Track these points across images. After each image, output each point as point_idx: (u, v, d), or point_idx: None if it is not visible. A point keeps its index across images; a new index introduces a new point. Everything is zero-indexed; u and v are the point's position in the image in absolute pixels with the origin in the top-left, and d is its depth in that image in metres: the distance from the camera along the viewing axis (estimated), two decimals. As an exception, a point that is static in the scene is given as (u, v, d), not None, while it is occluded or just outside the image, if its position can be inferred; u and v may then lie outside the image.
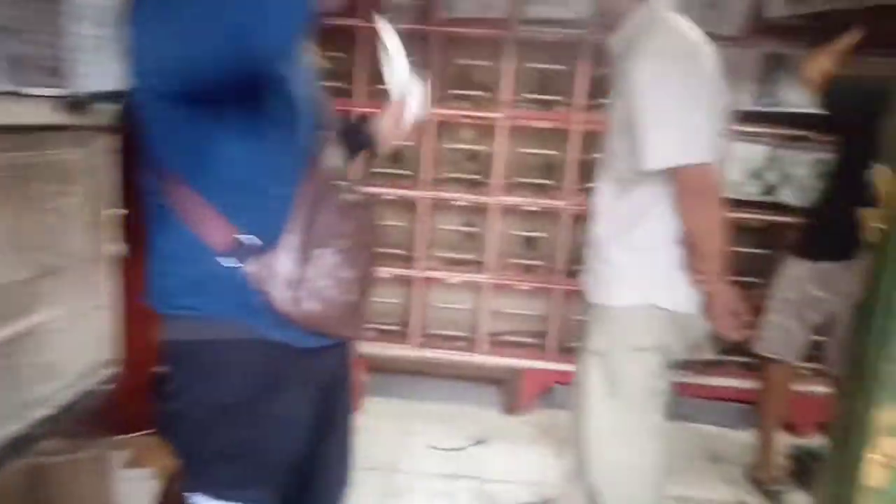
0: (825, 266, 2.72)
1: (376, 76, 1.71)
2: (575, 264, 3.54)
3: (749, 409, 3.43)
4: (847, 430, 1.17)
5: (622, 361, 1.90)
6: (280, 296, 1.14)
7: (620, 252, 1.93)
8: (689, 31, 1.81)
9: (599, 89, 3.31)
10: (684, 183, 1.78)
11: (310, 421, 1.31)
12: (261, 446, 1.23)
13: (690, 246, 1.84)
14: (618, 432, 1.92)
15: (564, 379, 2.99)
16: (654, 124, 1.74)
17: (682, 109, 1.73)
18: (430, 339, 3.78)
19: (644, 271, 1.91)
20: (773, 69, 3.46)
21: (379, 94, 3.41)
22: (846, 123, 2.68)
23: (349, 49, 3.53)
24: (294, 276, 1.15)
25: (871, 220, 1.30)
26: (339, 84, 3.57)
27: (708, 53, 1.81)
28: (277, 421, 1.24)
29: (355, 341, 1.46)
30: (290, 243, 1.15)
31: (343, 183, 1.27)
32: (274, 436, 1.24)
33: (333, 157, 1.33)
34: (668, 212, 1.86)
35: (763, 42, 3.43)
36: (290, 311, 1.16)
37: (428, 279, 3.71)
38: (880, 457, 1.10)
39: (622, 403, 1.91)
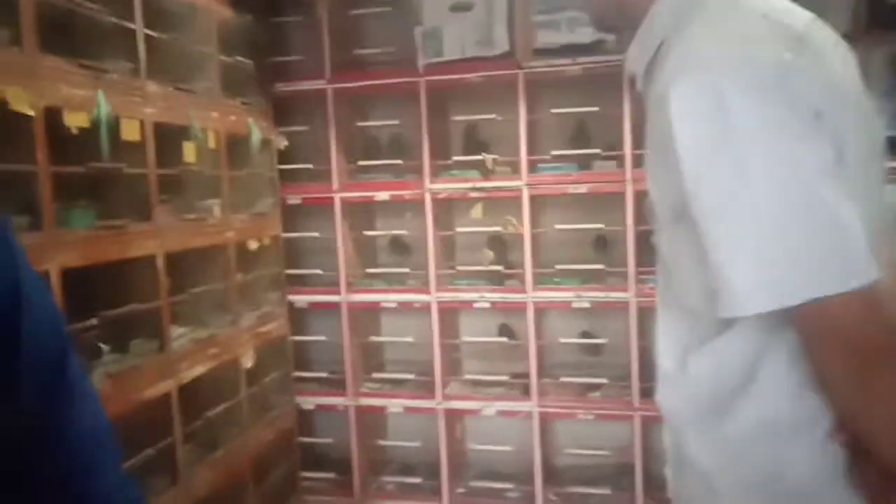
0: None
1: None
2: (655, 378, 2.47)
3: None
4: None
5: None
6: None
7: (706, 449, 0.91)
8: (774, 11, 0.83)
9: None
10: (820, 332, 0.78)
11: None
12: None
13: (853, 443, 0.82)
14: None
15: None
16: (730, 232, 0.79)
17: (785, 186, 0.77)
18: (471, 495, 2.80)
19: (755, 495, 0.87)
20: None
21: (366, 170, 2.66)
22: None
23: (316, 118, 2.74)
24: None
25: None
26: (307, 165, 2.77)
27: (823, 48, 0.84)
28: None
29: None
30: None
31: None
32: None
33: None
34: (792, 376, 0.83)
35: (888, 39, 2.32)
36: None
37: (454, 411, 2.72)
38: None
39: None
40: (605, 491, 2.67)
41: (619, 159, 2.53)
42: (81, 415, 0.81)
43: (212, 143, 2.26)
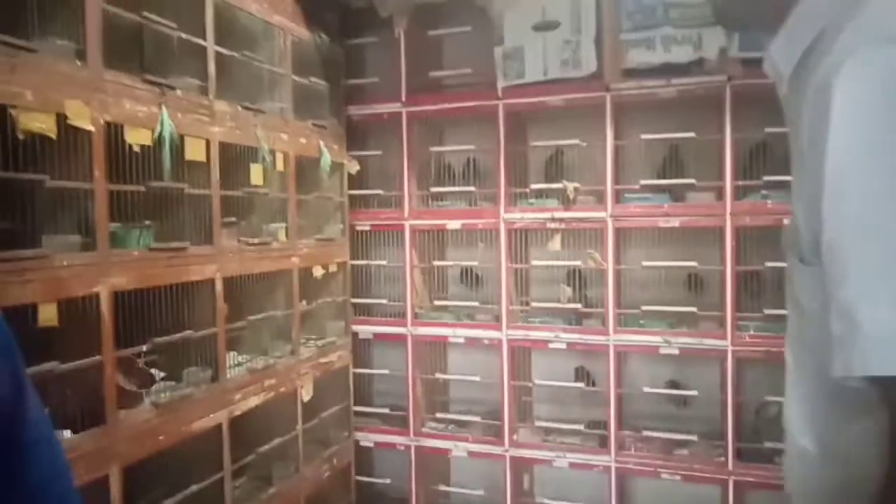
0: None
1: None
2: (753, 438, 2.21)
3: None
4: None
5: None
6: None
7: None
8: None
9: (757, 163, 2.07)
10: None
11: None
12: None
13: None
14: None
15: None
16: (873, 258, 0.60)
17: None
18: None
19: None
20: None
21: (439, 197, 2.53)
22: None
23: (389, 142, 2.63)
24: None
25: None
26: (377, 191, 2.67)
27: None
28: None
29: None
30: None
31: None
32: None
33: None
34: None
35: None
36: None
37: (522, 459, 2.50)
38: None
39: None
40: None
41: (718, 190, 2.27)
42: (38, 464, 0.73)
43: (280, 166, 2.19)
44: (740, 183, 2.23)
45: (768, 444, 2.22)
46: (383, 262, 2.76)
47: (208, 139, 1.84)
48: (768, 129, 2.15)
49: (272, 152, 2.13)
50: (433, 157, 2.79)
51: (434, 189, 2.68)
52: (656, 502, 2.55)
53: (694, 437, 2.38)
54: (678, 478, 2.34)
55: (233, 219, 2.06)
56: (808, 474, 0.80)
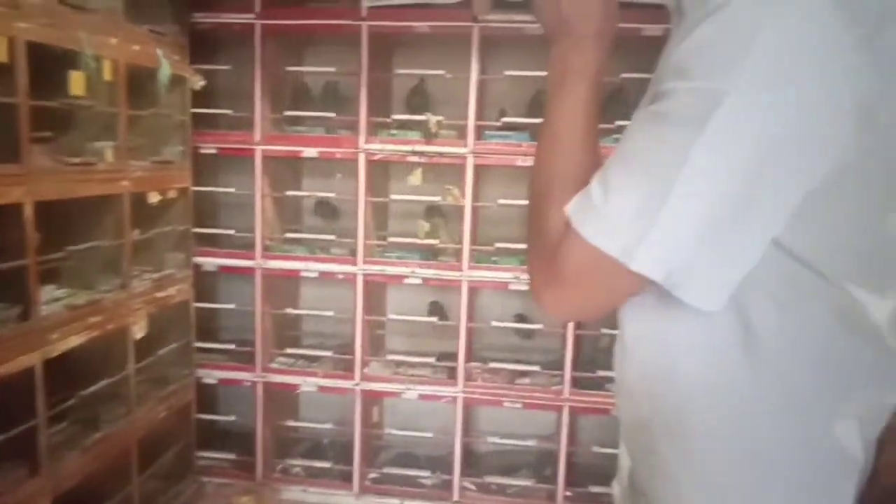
0: None
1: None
2: (588, 368, 2.36)
3: None
4: None
5: None
6: None
7: (675, 454, 0.71)
8: None
9: (613, 107, 2.12)
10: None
11: None
12: None
13: None
14: None
15: None
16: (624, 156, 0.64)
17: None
18: (383, 481, 2.57)
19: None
20: None
21: (295, 122, 2.36)
22: None
23: (241, 57, 2.40)
24: None
25: None
26: (226, 111, 2.45)
27: None
28: None
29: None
30: None
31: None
32: None
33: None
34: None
35: None
36: None
37: (372, 393, 2.51)
38: None
39: None
40: (527, 482, 2.54)
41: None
42: None
43: (108, 75, 1.90)
44: (608, 126, 2.27)
45: (601, 373, 2.40)
46: (231, 190, 2.56)
47: (12, 36, 1.54)
48: (624, 75, 2.21)
49: (98, 58, 1.84)
50: (290, 77, 2.58)
51: (289, 113, 2.50)
52: (499, 428, 2.68)
53: (536, 368, 2.50)
54: (519, 405, 2.47)
55: (48, 134, 1.78)
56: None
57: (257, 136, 2.43)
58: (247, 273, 2.50)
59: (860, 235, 0.60)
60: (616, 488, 0.86)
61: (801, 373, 0.63)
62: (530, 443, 2.60)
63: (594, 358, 2.52)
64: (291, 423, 2.69)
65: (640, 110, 0.64)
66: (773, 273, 0.61)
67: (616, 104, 2.31)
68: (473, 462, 2.66)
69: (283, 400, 2.66)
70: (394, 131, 2.43)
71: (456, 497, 2.52)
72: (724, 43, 0.55)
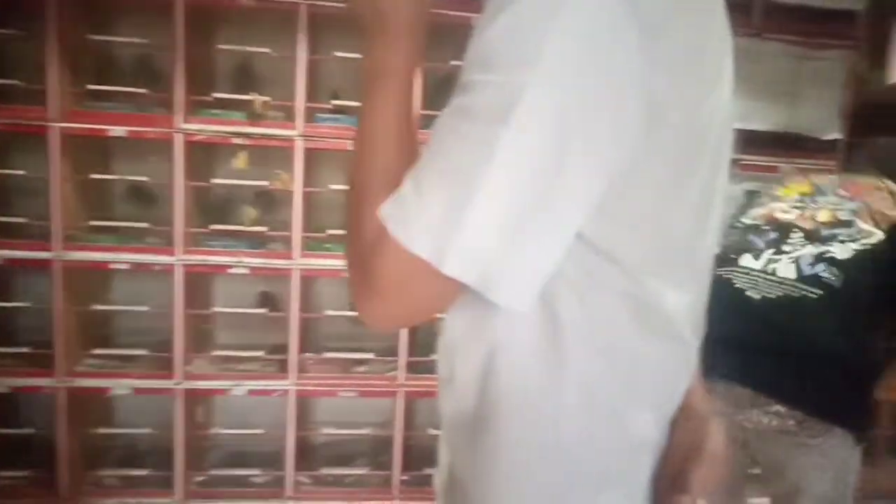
0: None
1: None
2: (422, 353, 2.39)
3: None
4: None
5: None
6: None
7: (489, 449, 0.72)
8: None
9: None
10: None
11: None
12: None
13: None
14: None
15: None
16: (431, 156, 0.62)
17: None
18: (210, 484, 2.44)
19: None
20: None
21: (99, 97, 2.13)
22: None
23: (32, 21, 2.12)
24: None
25: None
26: (14, 81, 2.16)
27: None
28: None
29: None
30: None
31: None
32: None
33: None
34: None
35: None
36: None
37: (196, 392, 2.34)
38: None
39: None
40: (362, 471, 2.52)
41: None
42: None
43: None
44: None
45: (434, 357, 2.43)
46: (22, 172, 2.25)
47: None
48: (453, 62, 2.25)
49: None
50: (94, 47, 2.32)
51: (92, 87, 2.25)
52: (334, 418, 2.63)
53: (371, 355, 2.49)
54: (354, 394, 2.44)
55: None
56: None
57: (52, 111, 2.16)
58: (43, 266, 2.21)
59: (655, 230, 0.62)
60: (437, 480, 0.87)
61: (598, 366, 0.65)
62: (366, 431, 2.58)
63: (429, 341, 2.55)
64: (104, 431, 2.43)
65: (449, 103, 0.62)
66: (576, 266, 0.61)
67: (446, 92, 2.34)
68: (308, 455, 2.58)
69: (92, 406, 2.39)
70: (216, 111, 2.28)
71: (289, 493, 2.43)
72: (522, 32, 0.54)
